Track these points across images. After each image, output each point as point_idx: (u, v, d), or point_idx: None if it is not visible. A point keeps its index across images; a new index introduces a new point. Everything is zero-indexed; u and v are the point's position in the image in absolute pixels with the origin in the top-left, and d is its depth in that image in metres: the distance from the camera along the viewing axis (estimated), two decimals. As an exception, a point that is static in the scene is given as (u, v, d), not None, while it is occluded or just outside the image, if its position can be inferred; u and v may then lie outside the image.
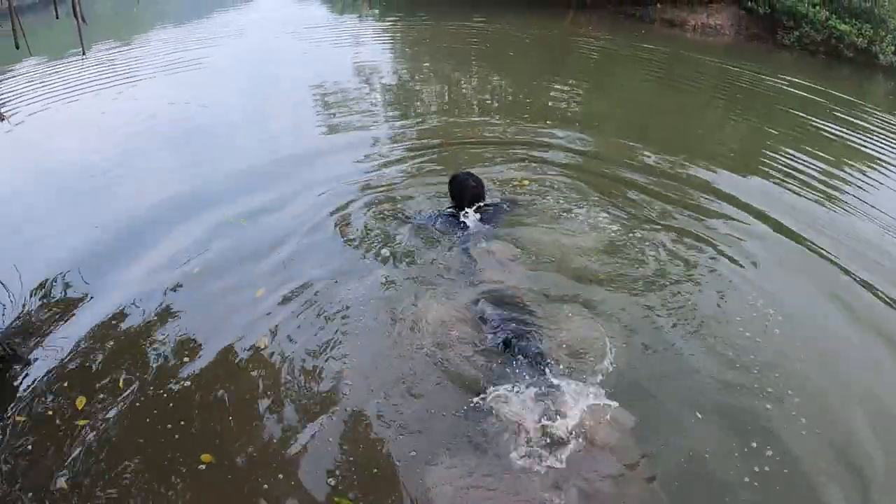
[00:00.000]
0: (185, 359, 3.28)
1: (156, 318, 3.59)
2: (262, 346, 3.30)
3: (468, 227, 3.96)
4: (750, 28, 14.06)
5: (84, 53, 9.18)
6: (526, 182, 5.09)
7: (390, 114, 7.18)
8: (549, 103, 7.64)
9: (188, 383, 3.13)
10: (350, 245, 4.17)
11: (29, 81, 9.04)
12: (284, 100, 8.04)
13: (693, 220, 4.74)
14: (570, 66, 10.57)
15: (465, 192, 4.09)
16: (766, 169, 5.99)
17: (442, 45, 11.70)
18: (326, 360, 3.22)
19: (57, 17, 2.79)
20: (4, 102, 7.67)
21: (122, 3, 25.05)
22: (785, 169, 6.00)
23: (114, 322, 3.58)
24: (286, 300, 3.67)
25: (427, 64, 9.96)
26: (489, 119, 6.99)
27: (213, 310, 3.65)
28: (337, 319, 3.49)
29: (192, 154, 6.12)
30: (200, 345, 3.38)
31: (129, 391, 3.07)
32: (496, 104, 7.55)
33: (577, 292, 3.68)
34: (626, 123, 7.06)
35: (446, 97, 7.86)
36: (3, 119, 2.25)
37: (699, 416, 2.94)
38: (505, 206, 4.30)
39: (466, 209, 4.05)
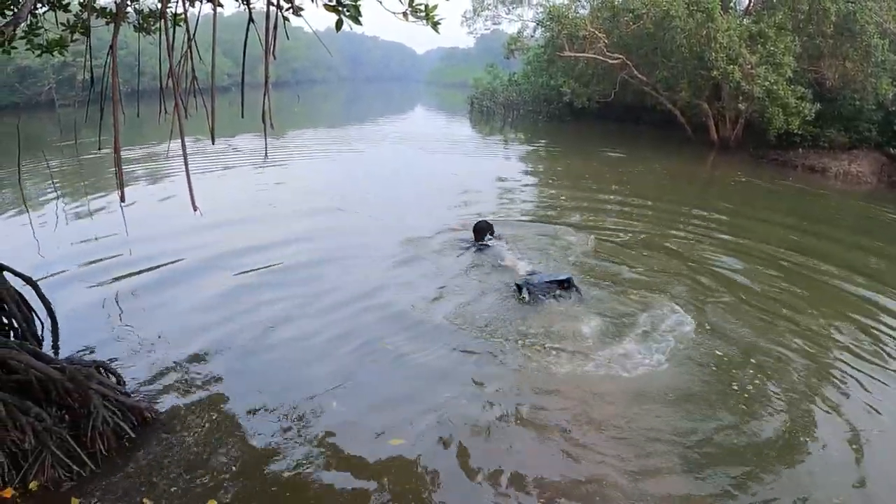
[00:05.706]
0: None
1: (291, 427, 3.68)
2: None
3: (488, 247, 6.85)
4: (892, 175, 14.60)
5: (266, 157, 9.88)
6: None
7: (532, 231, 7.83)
8: (691, 233, 8.32)
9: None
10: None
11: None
12: (423, 206, 8.97)
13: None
14: (711, 201, 11.33)
15: (481, 230, 6.92)
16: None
17: (583, 173, 12.91)
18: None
19: (242, 117, 2.98)
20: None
21: (284, 100, 27.85)
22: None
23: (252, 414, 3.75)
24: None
25: (565, 194, 10.56)
26: (626, 240, 7.76)
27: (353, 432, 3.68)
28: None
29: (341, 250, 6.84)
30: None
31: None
32: (633, 233, 8.21)
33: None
34: (767, 254, 7.64)
35: (588, 221, 8.67)
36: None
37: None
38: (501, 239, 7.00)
39: (483, 240, 6.93)
